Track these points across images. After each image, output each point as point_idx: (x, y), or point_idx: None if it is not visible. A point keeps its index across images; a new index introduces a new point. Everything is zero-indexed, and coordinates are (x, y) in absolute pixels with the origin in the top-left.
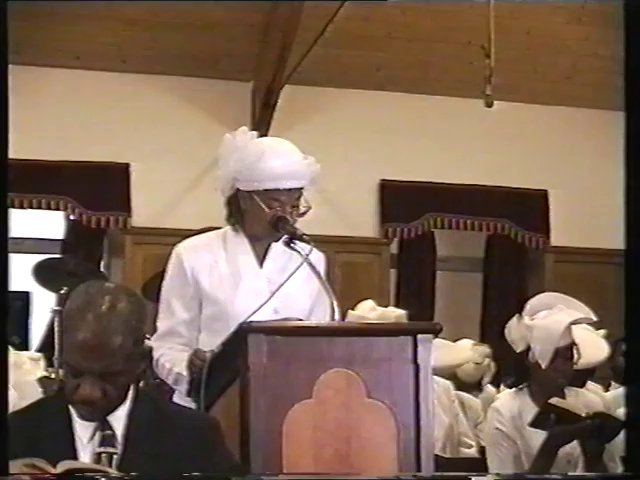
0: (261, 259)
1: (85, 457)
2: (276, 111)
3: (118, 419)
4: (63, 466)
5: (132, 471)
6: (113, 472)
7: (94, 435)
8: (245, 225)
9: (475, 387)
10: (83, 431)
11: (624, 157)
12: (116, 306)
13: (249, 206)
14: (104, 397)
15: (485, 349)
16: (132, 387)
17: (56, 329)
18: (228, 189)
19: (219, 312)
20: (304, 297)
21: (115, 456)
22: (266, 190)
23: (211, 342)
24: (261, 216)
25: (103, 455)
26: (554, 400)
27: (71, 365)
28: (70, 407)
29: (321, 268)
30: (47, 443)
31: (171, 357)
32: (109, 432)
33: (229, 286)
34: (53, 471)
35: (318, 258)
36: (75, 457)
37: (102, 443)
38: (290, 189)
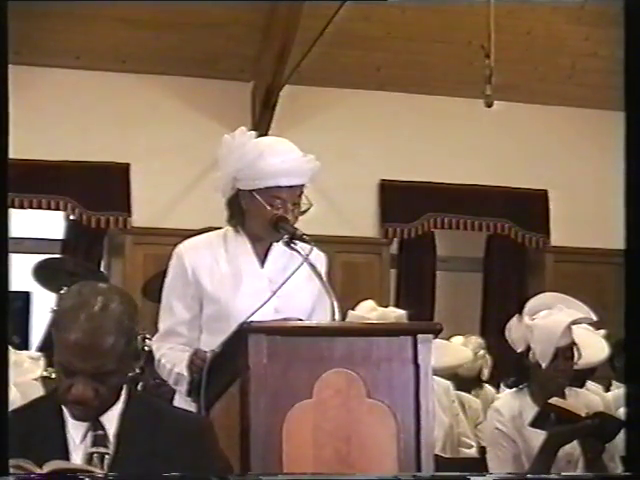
0: (262, 259)
1: (77, 457)
2: (276, 111)
3: (110, 419)
4: (50, 466)
5: (124, 471)
6: (98, 472)
7: (86, 435)
8: (246, 225)
9: (474, 382)
10: (75, 431)
11: (624, 157)
12: (108, 306)
13: (250, 205)
14: (96, 397)
15: (477, 339)
16: (125, 387)
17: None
18: (229, 190)
19: (220, 312)
20: (305, 297)
21: (107, 456)
22: (267, 188)
23: (212, 342)
24: (262, 215)
25: (95, 455)
26: (554, 400)
27: (63, 365)
28: (63, 407)
29: (322, 268)
30: (40, 443)
31: (172, 357)
32: (101, 432)
33: (230, 286)
34: (39, 471)
35: (319, 258)
36: (67, 457)
37: (94, 443)
38: (291, 186)
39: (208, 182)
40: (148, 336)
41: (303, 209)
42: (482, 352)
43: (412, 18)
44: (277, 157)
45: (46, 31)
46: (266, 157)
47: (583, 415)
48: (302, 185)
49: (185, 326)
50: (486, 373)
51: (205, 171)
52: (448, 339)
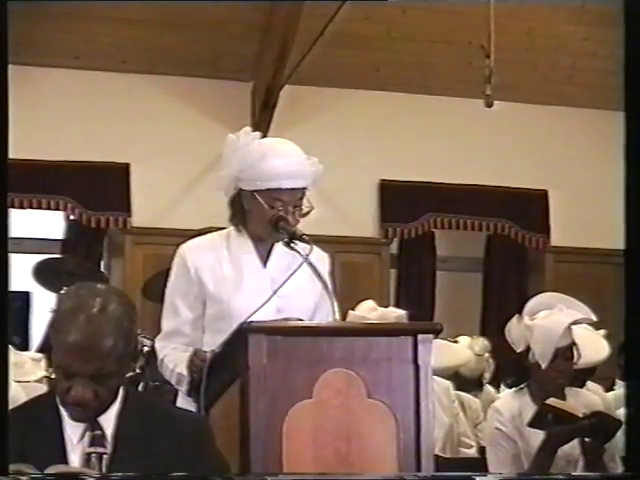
0: (264, 259)
1: (75, 457)
2: (276, 111)
3: (108, 419)
4: (51, 470)
5: (122, 471)
6: (95, 474)
7: (84, 435)
8: (248, 225)
9: (476, 384)
10: (73, 431)
11: (624, 157)
12: (107, 308)
13: (252, 206)
14: (96, 398)
15: (484, 341)
16: (122, 387)
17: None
18: (231, 189)
19: (222, 312)
20: (308, 296)
21: (105, 456)
22: (268, 189)
23: (215, 342)
24: (263, 216)
25: (93, 455)
26: (550, 400)
27: (62, 367)
28: (60, 407)
29: (325, 268)
30: (37, 443)
31: (174, 357)
32: (99, 432)
33: (232, 286)
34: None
35: (322, 258)
36: (65, 457)
37: (92, 443)
38: (292, 189)
39: (208, 182)
40: (148, 336)
41: (304, 212)
42: (487, 355)
43: (412, 18)
44: (280, 159)
45: (46, 31)
46: (269, 159)
47: (580, 415)
48: (304, 188)
49: (189, 326)
50: (487, 376)
51: (205, 171)
52: (454, 339)
